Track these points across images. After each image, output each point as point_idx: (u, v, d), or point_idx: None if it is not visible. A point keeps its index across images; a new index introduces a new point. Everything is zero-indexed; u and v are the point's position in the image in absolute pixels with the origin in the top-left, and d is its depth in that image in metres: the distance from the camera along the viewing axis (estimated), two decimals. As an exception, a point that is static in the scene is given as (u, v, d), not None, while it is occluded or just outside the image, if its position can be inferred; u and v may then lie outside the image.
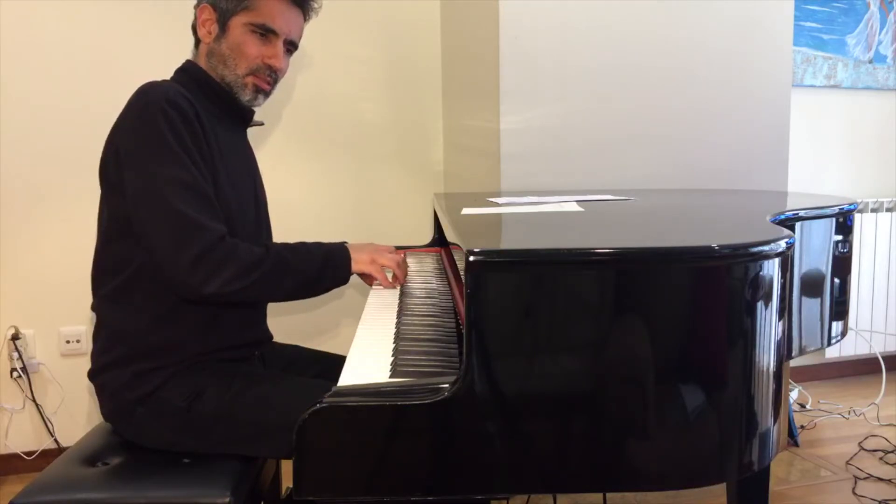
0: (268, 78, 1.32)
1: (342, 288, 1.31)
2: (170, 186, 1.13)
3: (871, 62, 3.02)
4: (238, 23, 1.28)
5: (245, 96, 1.32)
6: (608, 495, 1.85)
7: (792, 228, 1.38)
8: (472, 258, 0.83)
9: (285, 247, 1.26)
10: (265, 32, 1.29)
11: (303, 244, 1.29)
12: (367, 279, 1.44)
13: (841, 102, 3.01)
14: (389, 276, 1.42)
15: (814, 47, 2.91)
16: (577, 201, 1.53)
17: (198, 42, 1.35)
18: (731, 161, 2.16)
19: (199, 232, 1.13)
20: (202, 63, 1.33)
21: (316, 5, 1.37)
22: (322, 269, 1.27)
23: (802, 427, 2.55)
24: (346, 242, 1.39)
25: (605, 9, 1.98)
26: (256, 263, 1.17)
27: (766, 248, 0.92)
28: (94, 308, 1.28)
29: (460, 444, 0.86)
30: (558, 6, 1.93)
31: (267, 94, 1.35)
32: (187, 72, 1.33)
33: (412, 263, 1.73)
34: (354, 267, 1.33)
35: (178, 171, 1.14)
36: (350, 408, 0.85)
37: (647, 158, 2.07)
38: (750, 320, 0.90)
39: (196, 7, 1.33)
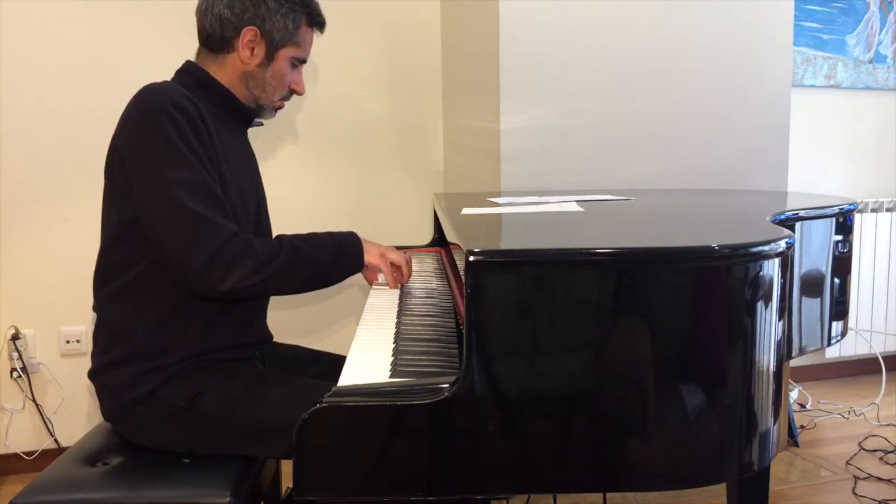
0: (288, 99, 1.40)
1: (343, 285, 1.32)
2: (179, 187, 1.13)
3: (871, 62, 3.02)
4: (285, 55, 1.33)
5: (270, 116, 1.41)
6: (608, 495, 1.85)
7: (792, 228, 1.38)
8: (472, 258, 0.83)
9: (297, 238, 1.27)
10: (298, 63, 1.37)
11: (314, 234, 1.29)
12: (370, 276, 1.45)
13: (841, 102, 3.01)
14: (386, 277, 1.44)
15: (814, 47, 2.91)
16: (577, 201, 1.53)
17: (219, 49, 1.31)
18: (731, 161, 2.16)
19: (213, 230, 1.13)
20: (226, 75, 1.32)
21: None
22: (335, 257, 1.28)
23: (802, 427, 2.55)
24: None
25: (605, 9, 1.98)
26: (271, 257, 1.18)
27: (766, 248, 0.92)
28: (95, 308, 1.28)
29: (460, 444, 0.86)
30: (558, 6, 1.93)
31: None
32: (188, 73, 1.33)
33: (412, 264, 1.73)
34: (366, 258, 1.35)
35: (185, 172, 1.15)
36: (350, 408, 0.85)
37: (647, 158, 2.07)
38: (750, 320, 0.90)
39: (236, 21, 1.28)
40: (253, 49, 1.30)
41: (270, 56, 1.32)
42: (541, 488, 0.90)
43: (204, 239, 1.12)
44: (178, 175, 1.14)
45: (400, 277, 1.45)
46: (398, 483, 0.86)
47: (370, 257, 1.36)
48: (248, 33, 1.29)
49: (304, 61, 1.38)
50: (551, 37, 1.94)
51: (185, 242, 1.13)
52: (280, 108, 1.40)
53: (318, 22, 1.37)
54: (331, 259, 1.27)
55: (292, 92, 1.39)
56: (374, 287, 1.49)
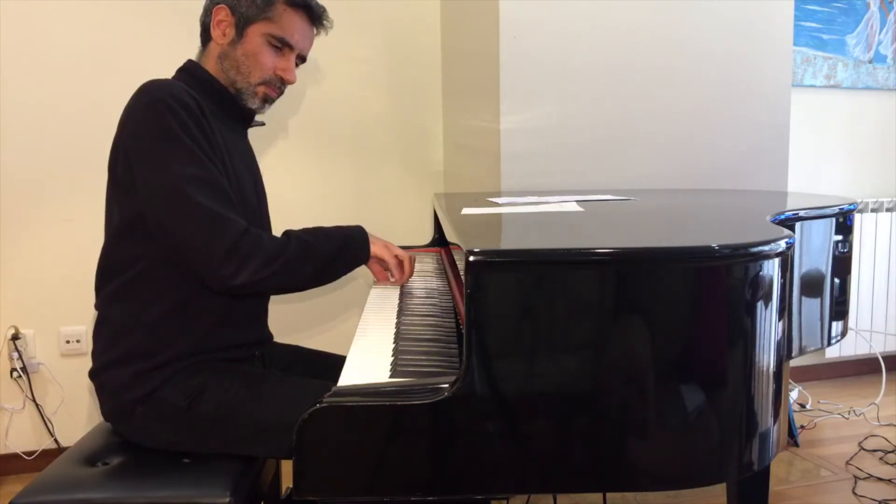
0: (278, 89, 1.36)
1: (343, 281, 1.33)
2: (189, 182, 1.14)
3: (871, 62, 3.02)
4: (256, 31, 1.30)
5: (253, 103, 1.35)
6: (608, 495, 1.85)
7: (792, 228, 1.38)
8: (472, 258, 0.83)
9: (305, 232, 1.27)
10: (281, 45, 1.32)
11: (321, 229, 1.30)
12: (380, 274, 1.47)
13: (841, 102, 3.01)
14: (391, 278, 1.45)
15: (814, 47, 2.91)
16: (577, 201, 1.53)
17: (206, 40, 1.34)
18: (731, 161, 2.16)
19: (225, 226, 1.14)
20: (210, 62, 1.33)
21: (328, 24, 1.39)
22: (341, 249, 1.29)
23: (802, 427, 2.55)
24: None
25: (605, 9, 1.98)
26: (280, 251, 1.18)
27: (766, 248, 0.92)
28: (97, 306, 1.28)
29: (460, 444, 0.86)
30: (558, 6, 1.93)
31: (273, 102, 1.38)
32: (188, 71, 1.33)
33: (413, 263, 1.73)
34: (373, 249, 1.35)
35: (193, 167, 1.15)
36: (350, 408, 0.85)
37: (647, 158, 2.07)
38: (750, 320, 0.90)
39: (210, 5, 1.32)
40: (225, 29, 1.30)
41: (240, 33, 1.30)
42: (541, 488, 0.90)
43: (218, 235, 1.13)
44: (186, 171, 1.14)
45: (401, 274, 1.45)
46: (398, 483, 0.86)
47: (376, 248, 1.37)
48: (220, 12, 1.30)
49: (287, 44, 1.31)
50: (551, 37, 1.94)
51: (199, 238, 1.13)
52: (268, 97, 1.35)
53: (299, 3, 1.32)
54: (337, 251, 1.28)
55: (281, 80, 1.34)
56: (374, 287, 1.49)
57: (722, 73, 2.12)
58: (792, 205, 1.52)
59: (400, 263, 1.44)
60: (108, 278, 1.25)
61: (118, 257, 1.24)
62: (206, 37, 1.34)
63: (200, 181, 1.15)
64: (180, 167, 1.14)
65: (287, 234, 1.24)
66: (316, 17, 1.36)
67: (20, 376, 2.16)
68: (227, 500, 1.10)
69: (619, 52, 2.01)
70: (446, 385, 0.85)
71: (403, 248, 1.67)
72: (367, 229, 1.38)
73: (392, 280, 1.47)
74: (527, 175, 1.95)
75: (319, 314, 2.46)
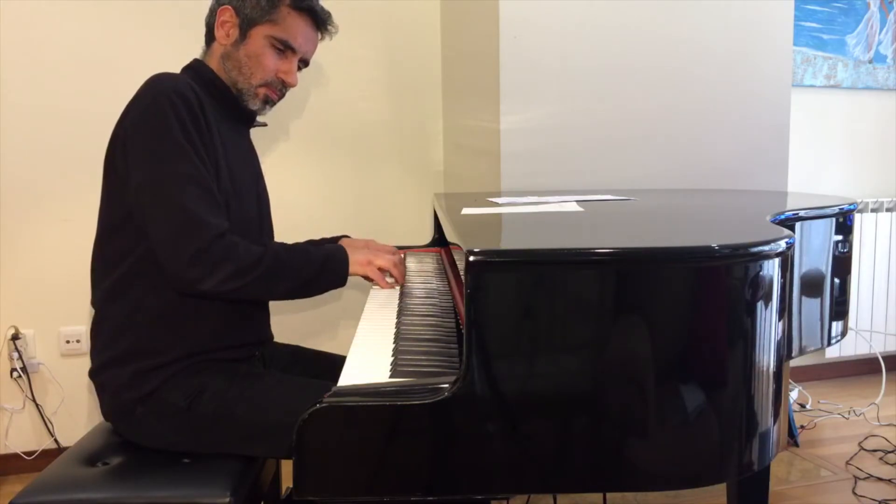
0: (279, 91, 1.36)
1: (342, 288, 1.32)
2: (175, 180, 1.14)
3: (871, 62, 3.02)
4: (260, 33, 1.30)
5: (254, 105, 1.35)
6: (608, 495, 1.85)
7: (792, 228, 1.38)
8: (472, 258, 0.83)
9: (284, 248, 1.26)
10: (284, 48, 1.32)
11: (302, 246, 1.29)
12: (381, 282, 1.45)
13: (841, 102, 3.01)
14: (388, 278, 1.43)
15: (814, 47, 2.91)
16: (577, 201, 1.53)
17: (210, 40, 1.35)
18: (731, 161, 2.16)
19: (199, 228, 1.13)
20: (214, 62, 1.34)
21: (332, 30, 1.39)
22: (319, 272, 1.27)
23: (802, 427, 2.55)
24: (346, 236, 1.39)
25: (605, 9, 1.98)
26: (254, 264, 1.17)
27: (766, 248, 0.92)
28: (93, 303, 1.28)
29: (460, 444, 0.86)
30: (558, 6, 1.93)
31: (274, 104, 1.38)
32: (193, 69, 1.34)
33: (412, 263, 1.73)
34: (351, 269, 1.33)
35: (183, 165, 1.15)
36: (350, 408, 0.85)
37: (647, 158, 2.07)
38: (750, 320, 0.90)
39: (215, 6, 1.32)
40: (229, 29, 1.31)
41: (244, 34, 1.30)
42: (541, 488, 0.90)
43: (189, 236, 1.13)
44: (175, 167, 1.14)
45: (393, 281, 1.44)
46: (398, 483, 0.86)
47: (356, 268, 1.35)
48: (224, 13, 1.31)
49: (290, 47, 1.32)
50: (551, 37, 1.94)
51: (170, 237, 1.13)
52: (271, 99, 1.35)
53: (304, 7, 1.32)
54: (313, 274, 1.26)
55: (283, 83, 1.34)
56: (373, 287, 1.49)
57: (722, 73, 2.12)
58: (792, 205, 1.52)
59: (384, 273, 1.41)
60: (103, 274, 1.25)
61: (111, 252, 1.24)
62: (210, 37, 1.35)
63: (186, 179, 1.14)
64: (169, 164, 1.14)
65: (265, 247, 1.22)
66: (320, 22, 1.36)
67: (20, 376, 2.16)
68: (227, 500, 1.10)
69: (619, 52, 2.01)
70: (446, 385, 0.85)
71: (403, 248, 1.66)
72: (368, 230, 1.38)
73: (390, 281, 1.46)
74: (527, 175, 1.95)
75: (319, 320, 2.46)
